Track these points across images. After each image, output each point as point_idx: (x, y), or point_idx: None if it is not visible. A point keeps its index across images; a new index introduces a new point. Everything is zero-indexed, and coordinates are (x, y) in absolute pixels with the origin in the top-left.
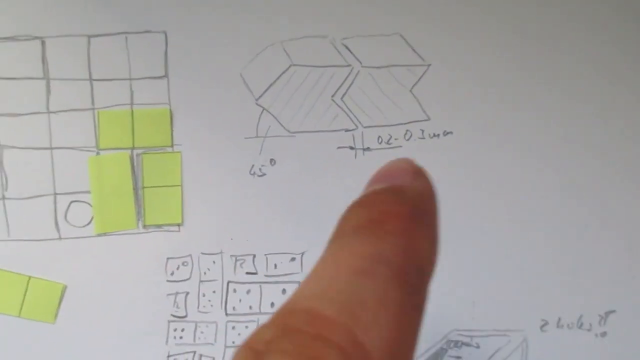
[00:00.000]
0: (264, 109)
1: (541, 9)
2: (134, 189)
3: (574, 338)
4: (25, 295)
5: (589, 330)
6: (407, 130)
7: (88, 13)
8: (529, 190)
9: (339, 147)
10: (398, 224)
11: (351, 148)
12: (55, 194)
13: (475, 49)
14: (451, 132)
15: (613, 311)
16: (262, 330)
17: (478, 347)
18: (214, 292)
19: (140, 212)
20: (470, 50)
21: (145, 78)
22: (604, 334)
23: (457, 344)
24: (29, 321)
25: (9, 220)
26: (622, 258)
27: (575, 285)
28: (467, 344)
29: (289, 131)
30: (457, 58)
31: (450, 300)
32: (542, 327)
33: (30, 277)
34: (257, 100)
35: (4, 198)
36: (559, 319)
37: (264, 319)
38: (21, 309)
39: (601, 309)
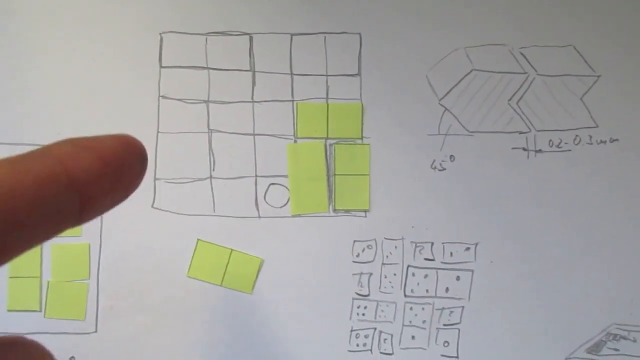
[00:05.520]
0: (446, 108)
1: None
2: (326, 175)
3: None
4: (227, 266)
5: None
6: (576, 136)
7: (292, 13)
8: None
9: (513, 148)
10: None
11: (524, 149)
12: (256, 176)
13: None
14: (617, 140)
15: None
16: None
17: (635, 341)
18: (394, 274)
19: (331, 197)
20: (639, 64)
21: (340, 75)
22: None
23: (616, 337)
24: (229, 290)
25: (215, 197)
26: None
27: None
28: (625, 338)
29: (468, 130)
30: (626, 70)
31: (610, 296)
32: None
33: (232, 250)
34: (440, 100)
35: (211, 177)
36: None
37: (439, 303)
38: (223, 278)
39: None
